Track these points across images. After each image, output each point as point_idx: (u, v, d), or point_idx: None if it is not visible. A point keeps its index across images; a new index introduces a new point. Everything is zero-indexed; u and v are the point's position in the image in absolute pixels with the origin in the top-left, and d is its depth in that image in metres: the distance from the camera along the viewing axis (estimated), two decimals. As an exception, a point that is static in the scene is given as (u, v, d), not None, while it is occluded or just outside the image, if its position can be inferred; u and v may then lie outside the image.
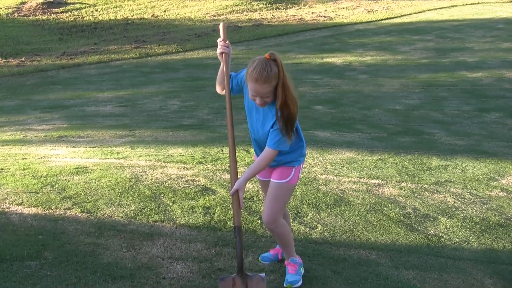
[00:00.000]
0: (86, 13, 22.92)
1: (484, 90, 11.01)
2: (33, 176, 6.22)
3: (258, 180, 4.23)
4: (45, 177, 6.18)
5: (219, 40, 3.91)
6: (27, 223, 5.02)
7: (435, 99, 10.38)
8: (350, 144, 7.56)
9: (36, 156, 7.16)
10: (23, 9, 23.16)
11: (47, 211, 5.26)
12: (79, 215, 5.18)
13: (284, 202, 4.00)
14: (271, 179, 3.94)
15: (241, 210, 3.81)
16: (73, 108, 10.55)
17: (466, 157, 6.96)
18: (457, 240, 4.79)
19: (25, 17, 22.16)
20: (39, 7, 23.34)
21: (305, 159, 6.72)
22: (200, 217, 5.14)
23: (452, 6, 24.45)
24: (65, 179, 6.09)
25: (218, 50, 3.90)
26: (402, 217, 5.18)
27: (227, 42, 3.91)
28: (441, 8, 24.15)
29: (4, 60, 16.07)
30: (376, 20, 21.38)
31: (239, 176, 3.80)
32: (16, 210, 5.30)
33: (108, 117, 9.65)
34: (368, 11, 23.40)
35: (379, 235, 4.85)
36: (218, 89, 4.06)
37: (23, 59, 16.19)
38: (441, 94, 10.76)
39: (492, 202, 5.53)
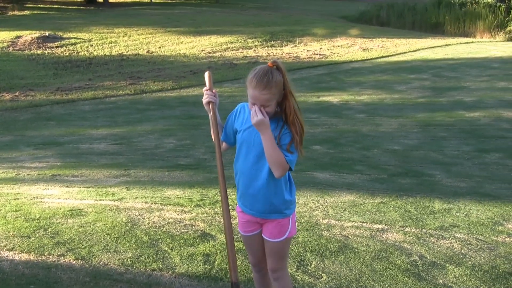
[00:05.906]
0: (81, 48, 22.87)
1: (483, 130, 10.90)
2: (25, 218, 6.02)
3: (242, 235, 3.86)
4: (37, 219, 5.98)
5: (204, 89, 3.72)
6: (18, 270, 4.82)
7: (434, 139, 10.27)
8: (350, 186, 7.40)
9: (28, 196, 6.96)
10: (18, 43, 23.11)
11: (40, 258, 5.06)
12: (73, 262, 4.98)
13: (287, 251, 3.81)
14: (268, 238, 3.66)
15: (238, 263, 3.57)
16: (67, 145, 10.37)
17: (468, 200, 6.81)
18: (467, 290, 4.63)
19: (20, 51, 22.07)
20: (34, 42, 23.29)
21: (306, 202, 6.60)
22: (200, 265, 4.94)
23: (446, 45, 24.52)
24: (59, 222, 5.89)
25: (204, 100, 3.68)
26: (409, 265, 5.01)
27: (214, 91, 3.73)
28: (435, 46, 24.21)
29: (-2, 95, 15.94)
30: (371, 58, 21.37)
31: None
32: (7, 256, 5.09)
33: (103, 155, 9.48)
34: (363, 49, 23.44)
35: (386, 285, 4.67)
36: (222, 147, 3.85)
37: (17, 94, 16.03)
38: (439, 134, 10.65)
39: (500, 249, 5.37)
